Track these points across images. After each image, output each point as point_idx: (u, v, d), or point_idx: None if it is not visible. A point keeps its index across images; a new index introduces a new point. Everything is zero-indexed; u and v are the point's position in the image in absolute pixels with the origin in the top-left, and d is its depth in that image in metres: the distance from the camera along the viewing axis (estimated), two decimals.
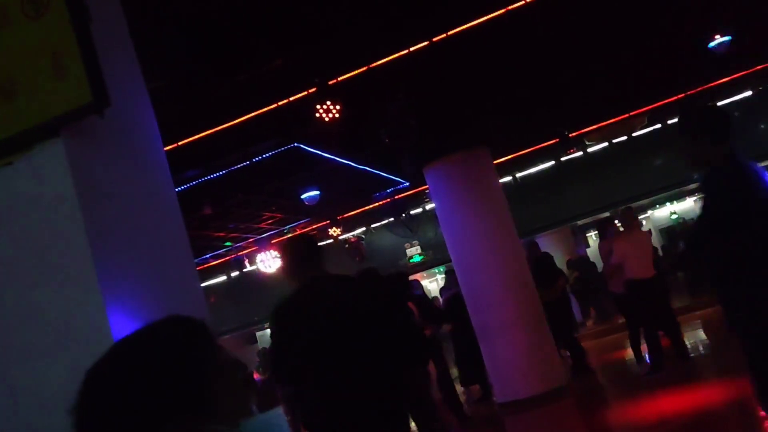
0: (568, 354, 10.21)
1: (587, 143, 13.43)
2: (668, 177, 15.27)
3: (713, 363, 8.49)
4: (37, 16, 2.38)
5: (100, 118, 2.33)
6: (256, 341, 22.01)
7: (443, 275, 15.48)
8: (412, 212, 15.65)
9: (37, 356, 2.30)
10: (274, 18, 5.56)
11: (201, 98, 6.41)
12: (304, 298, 3.56)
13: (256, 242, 14.96)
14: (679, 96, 11.39)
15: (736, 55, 8.77)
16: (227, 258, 16.50)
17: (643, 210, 21.96)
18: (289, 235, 13.40)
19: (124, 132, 2.71)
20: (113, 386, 1.18)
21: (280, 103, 7.07)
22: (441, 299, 12.65)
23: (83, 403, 1.18)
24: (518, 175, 14.77)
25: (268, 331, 4.64)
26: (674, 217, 24.09)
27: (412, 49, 6.58)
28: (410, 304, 6.49)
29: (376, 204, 14.24)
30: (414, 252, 17.88)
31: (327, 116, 6.73)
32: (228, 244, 14.97)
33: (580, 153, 13.99)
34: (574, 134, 11.91)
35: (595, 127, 12.01)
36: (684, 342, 8.40)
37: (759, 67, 11.31)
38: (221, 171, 8.98)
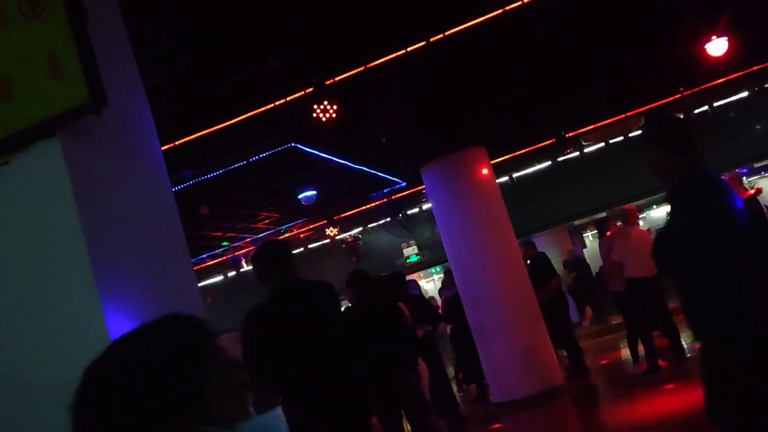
0: (565, 354, 10.22)
1: (584, 143, 13.47)
2: None
3: None
4: (34, 15, 2.37)
5: (98, 118, 2.32)
6: None
7: (440, 275, 15.50)
8: (408, 212, 15.67)
9: (34, 355, 2.30)
10: (271, 18, 5.56)
11: (198, 98, 6.41)
12: (275, 305, 3.58)
13: (253, 242, 14.95)
14: (676, 96, 11.43)
15: (733, 56, 8.78)
16: (224, 258, 16.50)
17: (640, 210, 21.96)
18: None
19: (122, 131, 2.70)
20: (109, 385, 1.18)
21: (277, 103, 7.07)
22: (440, 299, 12.64)
23: (80, 401, 1.18)
24: (515, 175, 14.79)
25: None
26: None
27: (409, 49, 6.59)
28: (401, 305, 6.48)
29: (373, 204, 14.26)
30: (411, 252, 17.88)
31: (324, 116, 6.73)
32: (225, 243, 14.98)
33: (577, 153, 14.01)
34: (570, 134, 11.95)
35: (591, 127, 12.05)
36: (681, 342, 8.41)
37: (755, 68, 11.34)
38: (218, 171, 8.99)
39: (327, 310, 3.62)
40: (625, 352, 9.25)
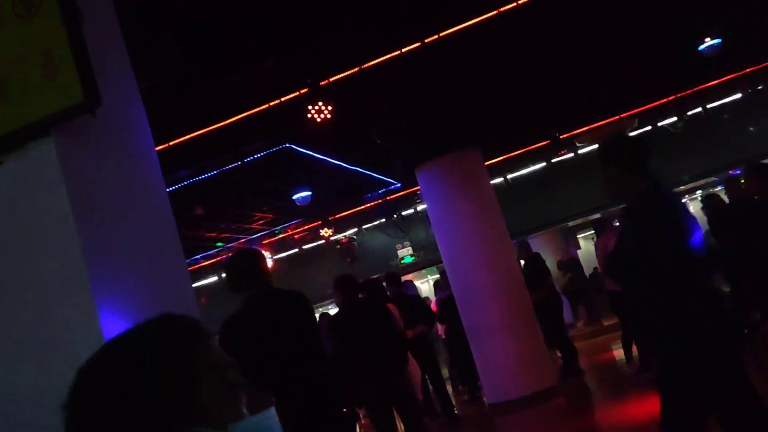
0: (559, 355, 10.23)
1: (578, 145, 13.47)
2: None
3: None
4: (29, 15, 2.37)
5: (92, 118, 2.32)
6: None
7: (435, 276, 15.50)
8: (403, 213, 15.66)
9: (28, 356, 2.29)
10: (266, 18, 5.56)
11: (192, 98, 6.41)
12: (248, 315, 3.61)
13: (248, 243, 14.93)
14: (669, 98, 11.47)
15: (726, 58, 8.82)
16: (219, 258, 16.45)
17: None
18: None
19: (116, 132, 2.70)
20: (103, 385, 1.18)
21: (271, 104, 7.07)
22: (434, 300, 12.65)
23: (73, 401, 1.18)
24: (509, 176, 14.78)
25: None
26: None
27: (404, 50, 6.60)
28: (390, 306, 6.48)
29: (368, 205, 14.25)
30: (406, 253, 17.87)
31: (319, 117, 6.73)
32: (219, 244, 14.94)
33: (571, 154, 14.03)
34: (565, 136, 11.96)
35: (586, 128, 12.06)
36: None
37: (749, 70, 11.39)
38: (213, 171, 8.97)
39: (302, 318, 3.67)
40: (619, 353, 9.27)
